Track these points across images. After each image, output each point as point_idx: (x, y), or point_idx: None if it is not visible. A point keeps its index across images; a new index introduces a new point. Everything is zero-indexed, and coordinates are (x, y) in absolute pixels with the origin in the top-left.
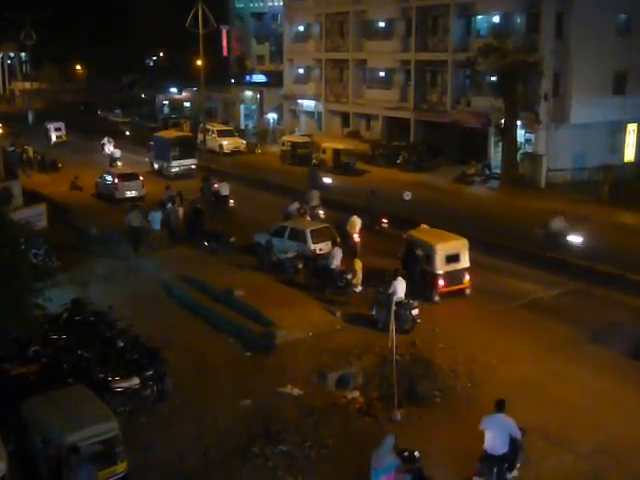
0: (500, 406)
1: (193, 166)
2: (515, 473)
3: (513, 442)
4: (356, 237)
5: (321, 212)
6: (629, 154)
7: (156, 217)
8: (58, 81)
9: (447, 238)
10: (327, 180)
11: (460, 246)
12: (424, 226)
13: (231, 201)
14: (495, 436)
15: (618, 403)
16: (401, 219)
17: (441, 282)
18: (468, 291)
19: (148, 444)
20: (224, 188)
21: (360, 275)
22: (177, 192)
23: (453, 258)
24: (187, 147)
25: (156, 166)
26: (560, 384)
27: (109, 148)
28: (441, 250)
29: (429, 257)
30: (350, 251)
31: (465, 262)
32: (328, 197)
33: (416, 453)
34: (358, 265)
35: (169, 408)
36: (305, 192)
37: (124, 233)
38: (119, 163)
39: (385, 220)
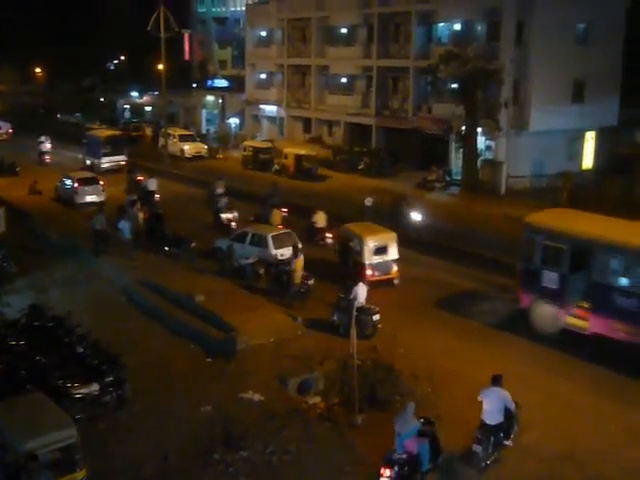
0: (496, 380)
1: (122, 162)
2: (510, 442)
3: (508, 413)
4: (280, 228)
5: (225, 200)
6: (587, 161)
7: (125, 226)
8: (17, 83)
9: (376, 231)
10: (417, 216)
11: (389, 239)
12: (321, 212)
13: (157, 196)
14: (492, 407)
15: (579, 409)
16: (299, 209)
17: (369, 272)
18: (396, 281)
19: (107, 451)
20: (151, 183)
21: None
22: (137, 196)
23: (381, 250)
24: (117, 145)
25: (88, 162)
26: (520, 388)
27: (45, 145)
28: (370, 242)
29: (359, 248)
30: None
31: (394, 254)
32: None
33: (431, 419)
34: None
35: (129, 414)
36: (210, 182)
37: (88, 237)
38: (47, 157)
39: (285, 210)
